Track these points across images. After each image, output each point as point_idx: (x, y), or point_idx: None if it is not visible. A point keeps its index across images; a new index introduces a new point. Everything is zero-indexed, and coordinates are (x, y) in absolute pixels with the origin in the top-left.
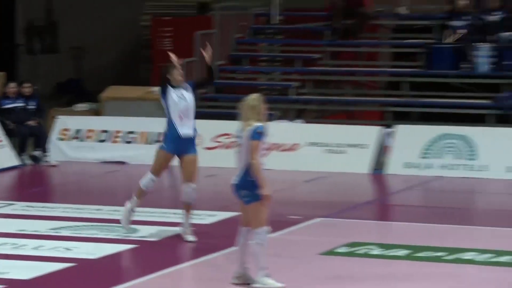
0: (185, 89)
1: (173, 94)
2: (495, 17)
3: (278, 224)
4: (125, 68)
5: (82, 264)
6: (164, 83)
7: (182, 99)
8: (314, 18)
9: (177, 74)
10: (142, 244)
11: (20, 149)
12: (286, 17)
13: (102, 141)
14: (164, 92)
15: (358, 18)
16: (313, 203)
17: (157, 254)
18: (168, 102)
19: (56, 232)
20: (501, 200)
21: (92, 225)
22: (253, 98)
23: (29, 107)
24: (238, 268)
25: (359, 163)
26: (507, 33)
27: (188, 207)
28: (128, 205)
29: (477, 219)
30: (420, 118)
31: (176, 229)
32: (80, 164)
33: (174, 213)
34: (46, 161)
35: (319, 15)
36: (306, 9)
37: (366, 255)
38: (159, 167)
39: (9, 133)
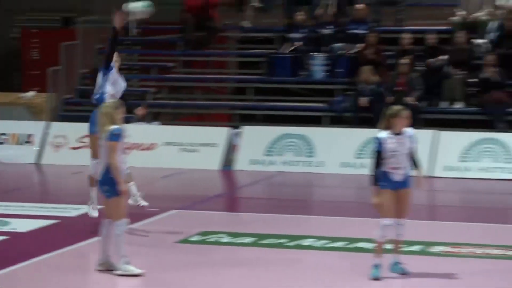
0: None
1: (116, 74)
2: (328, 30)
3: (137, 216)
4: None
5: None
6: (110, 61)
7: (122, 81)
8: (168, 31)
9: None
10: (12, 236)
11: None
12: (143, 30)
13: None
14: (108, 68)
15: (208, 30)
16: (169, 196)
17: (26, 245)
18: (108, 78)
19: None
20: (335, 193)
21: None
22: (107, 106)
23: None
24: (101, 256)
25: (210, 160)
26: (339, 44)
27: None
28: (92, 194)
29: (315, 209)
30: (264, 120)
31: (43, 222)
32: None
33: (42, 207)
34: None
35: (172, 28)
36: (161, 23)
37: (217, 243)
38: (96, 150)
39: None
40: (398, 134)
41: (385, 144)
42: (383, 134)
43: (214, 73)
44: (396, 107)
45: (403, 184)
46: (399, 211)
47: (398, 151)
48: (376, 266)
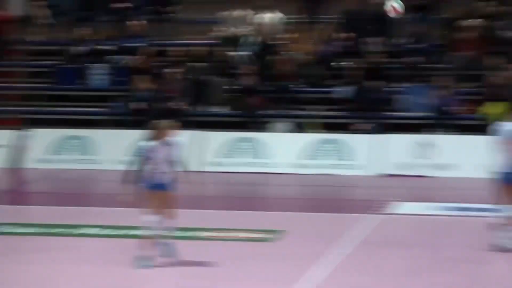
0: None
1: None
2: (110, 44)
3: None
4: None
5: None
6: None
7: None
8: None
9: None
10: None
11: None
12: None
13: None
14: None
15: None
16: None
17: None
18: None
19: None
20: (114, 187)
21: None
22: None
23: None
24: None
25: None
26: (119, 56)
27: None
28: None
29: (95, 201)
30: (51, 123)
31: None
32: None
33: None
34: None
35: None
36: None
37: (4, 233)
38: None
39: None
40: (163, 143)
41: (151, 152)
42: (149, 143)
43: (6, 82)
44: (162, 120)
45: (165, 186)
46: (164, 209)
47: (162, 158)
48: (143, 258)
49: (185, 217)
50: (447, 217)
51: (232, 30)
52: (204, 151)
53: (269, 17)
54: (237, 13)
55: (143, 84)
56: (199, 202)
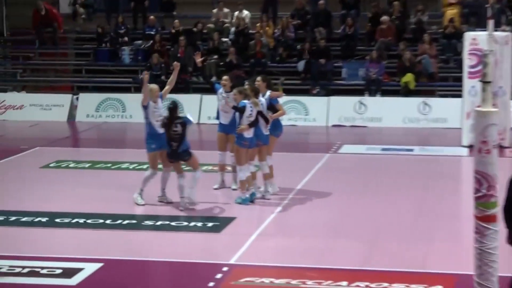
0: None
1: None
2: (135, 32)
3: (12, 152)
4: None
5: None
6: None
7: None
8: (27, 33)
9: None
10: None
11: None
12: (11, 33)
13: None
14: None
15: (53, 33)
16: (34, 138)
17: None
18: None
19: None
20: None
21: None
22: None
23: None
24: None
25: (61, 115)
26: (139, 41)
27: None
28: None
29: (130, 145)
30: (93, 89)
31: None
32: None
33: None
34: None
35: (30, 31)
36: (21, 28)
37: (67, 167)
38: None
39: None
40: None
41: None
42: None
43: (60, 60)
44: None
45: None
46: None
47: None
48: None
49: None
50: (377, 154)
51: (219, 21)
52: None
53: (243, 13)
54: (221, 10)
55: (156, 60)
56: None
